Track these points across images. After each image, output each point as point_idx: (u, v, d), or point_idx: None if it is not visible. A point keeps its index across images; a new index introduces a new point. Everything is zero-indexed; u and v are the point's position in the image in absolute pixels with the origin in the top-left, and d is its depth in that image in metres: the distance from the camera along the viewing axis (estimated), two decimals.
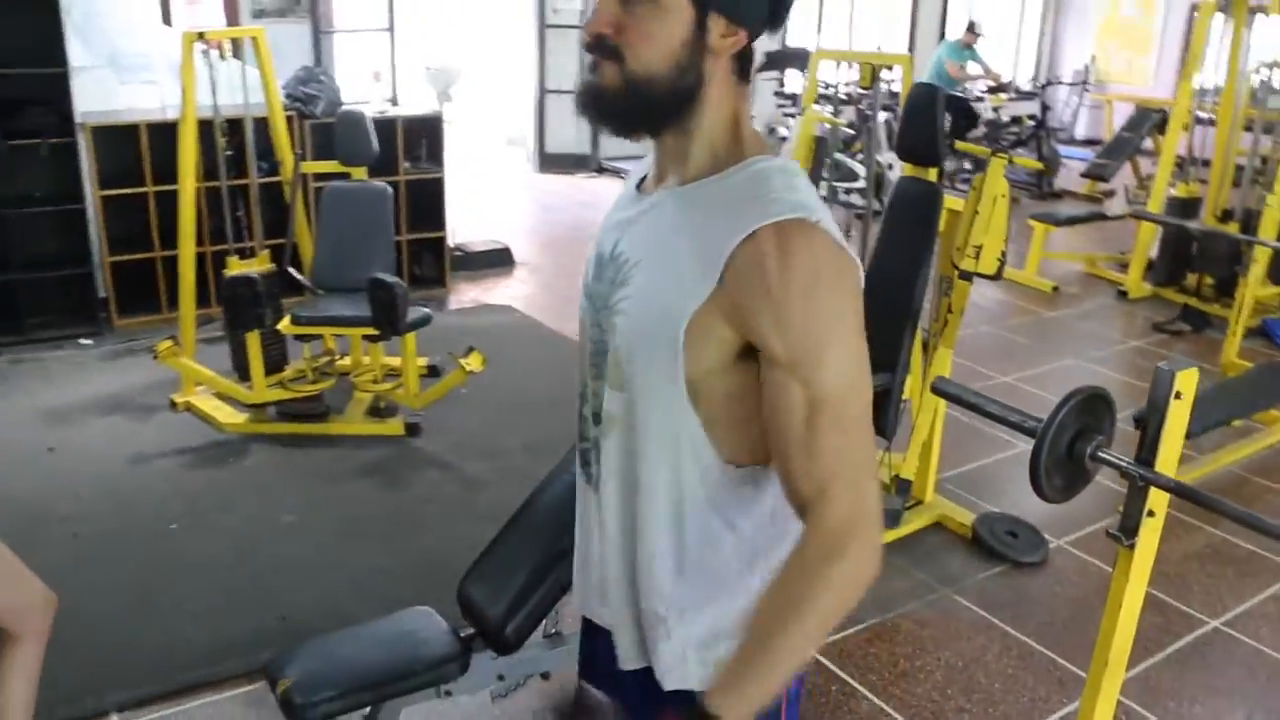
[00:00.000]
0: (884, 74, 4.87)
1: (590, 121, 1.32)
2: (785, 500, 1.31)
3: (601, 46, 1.26)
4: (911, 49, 11.74)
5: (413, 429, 4.68)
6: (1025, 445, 4.69)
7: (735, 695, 1.25)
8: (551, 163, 10.38)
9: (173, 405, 4.82)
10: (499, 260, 7.33)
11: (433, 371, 5.20)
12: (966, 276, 3.59)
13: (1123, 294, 6.93)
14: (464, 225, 7.45)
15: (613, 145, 10.34)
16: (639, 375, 1.31)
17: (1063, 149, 10.96)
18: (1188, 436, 3.86)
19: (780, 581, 1.27)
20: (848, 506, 1.24)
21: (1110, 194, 9.17)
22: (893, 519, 3.79)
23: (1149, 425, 2.17)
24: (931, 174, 3.66)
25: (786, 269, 1.19)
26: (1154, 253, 6.91)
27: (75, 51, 5.52)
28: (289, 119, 5.57)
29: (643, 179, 1.43)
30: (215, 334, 5.40)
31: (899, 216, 3.74)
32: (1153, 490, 2.18)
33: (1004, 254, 3.52)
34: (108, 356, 5.48)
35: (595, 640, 1.55)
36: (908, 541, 3.94)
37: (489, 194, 9.34)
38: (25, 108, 5.35)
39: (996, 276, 3.56)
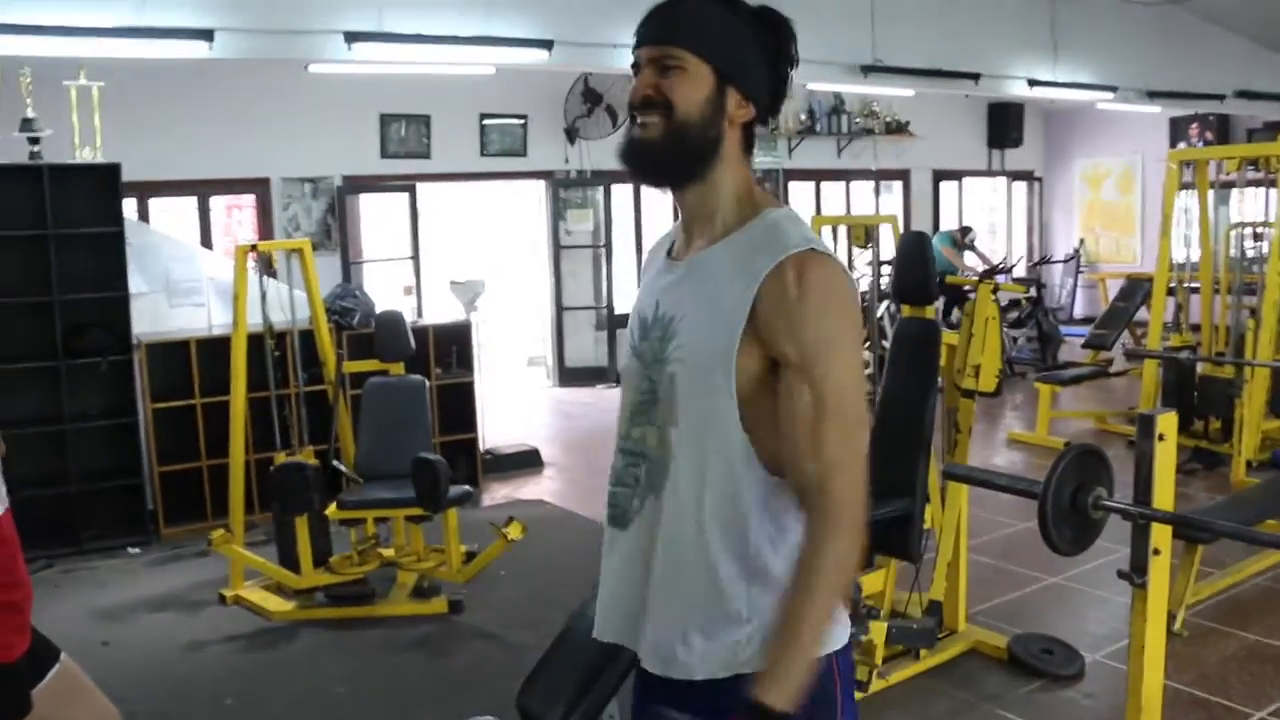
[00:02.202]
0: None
1: (632, 171, 1.65)
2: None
3: (651, 102, 1.59)
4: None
5: (456, 606, 4.82)
6: (1049, 579, 4.89)
7: (780, 680, 1.48)
8: (571, 377, 10.74)
9: (222, 599, 4.98)
10: (528, 461, 7.57)
11: (471, 557, 5.37)
12: (969, 395, 3.83)
13: (1133, 443, 7.08)
14: (492, 431, 7.74)
15: None
16: (699, 405, 1.57)
17: (1063, 328, 11.34)
18: (1204, 543, 4.03)
19: (797, 575, 1.52)
20: (844, 492, 1.51)
21: (1111, 361, 9.46)
22: (928, 639, 3.88)
23: (1140, 468, 2.38)
24: (928, 312, 3.96)
25: (803, 289, 1.51)
26: (1159, 404, 7.14)
27: (134, 279, 6.00)
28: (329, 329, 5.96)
29: (670, 248, 1.73)
30: (259, 538, 5.62)
31: (903, 353, 4.00)
32: (1155, 528, 2.37)
33: (1001, 372, 3.77)
34: (156, 563, 5.69)
35: (651, 693, 1.69)
36: (945, 667, 4.02)
37: (514, 404, 9.69)
38: (87, 330, 5.77)
39: (996, 393, 3.80)
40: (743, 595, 1.57)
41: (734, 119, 1.61)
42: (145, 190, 8.11)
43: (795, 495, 1.56)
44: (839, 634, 1.62)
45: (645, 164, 1.64)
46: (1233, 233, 7.17)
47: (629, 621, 1.68)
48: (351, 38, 6.37)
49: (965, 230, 11.28)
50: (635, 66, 1.63)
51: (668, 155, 1.61)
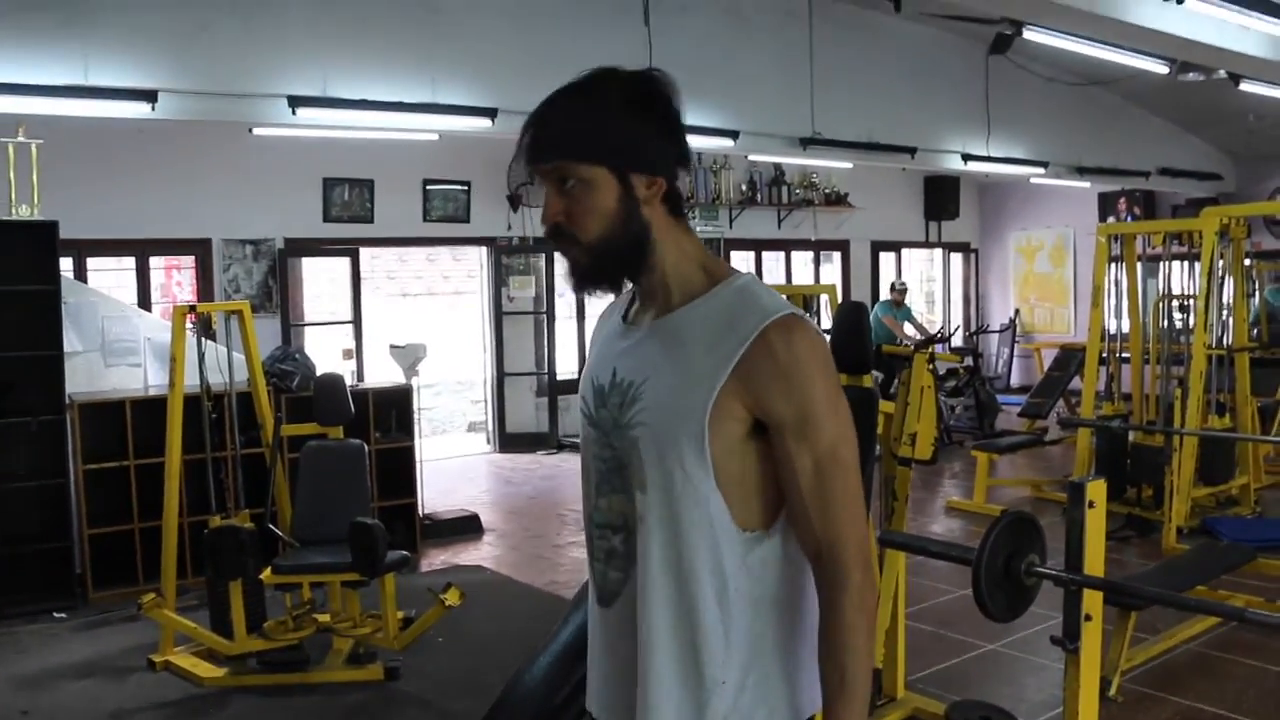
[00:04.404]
0: None
1: (583, 293, 1.65)
2: (782, 550, 1.59)
3: (559, 235, 1.59)
4: None
5: (392, 673, 4.74)
6: (987, 646, 4.93)
7: None
8: (511, 442, 10.71)
9: (151, 665, 4.86)
10: (468, 527, 7.51)
11: (408, 623, 5.30)
12: (905, 463, 3.88)
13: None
14: (432, 496, 7.68)
15: (571, 423, 10.75)
16: (669, 470, 1.56)
17: (1000, 397, 11.54)
18: (1136, 609, 4.08)
19: (824, 629, 1.57)
20: (853, 546, 1.55)
21: (1047, 430, 9.64)
22: None
23: (1071, 535, 2.43)
24: (865, 380, 4.02)
25: (791, 354, 1.51)
26: (1092, 472, 7.27)
27: (69, 338, 5.93)
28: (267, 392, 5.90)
29: (625, 313, 1.72)
30: (192, 603, 5.50)
31: None
32: (1086, 594, 2.41)
33: (936, 440, 3.83)
34: (82, 628, 5.53)
35: None
36: None
37: (454, 470, 9.63)
38: (17, 388, 5.67)
39: (932, 461, 3.86)
40: (720, 658, 1.57)
41: (649, 200, 1.58)
42: (83, 248, 8.04)
43: (804, 547, 1.58)
44: (809, 701, 1.64)
45: (589, 286, 1.62)
46: (1160, 305, 7.39)
47: (624, 699, 1.65)
48: (295, 102, 6.41)
49: (893, 286, 11.42)
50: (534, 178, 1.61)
51: (603, 273, 1.61)
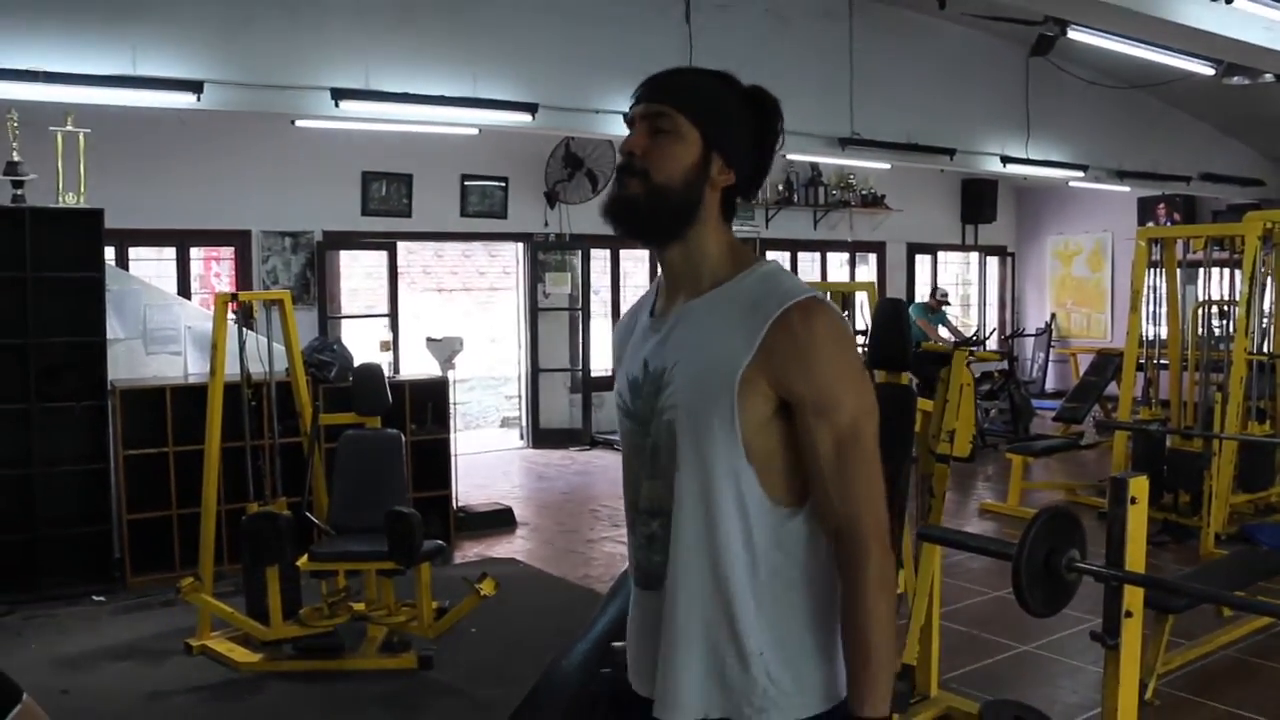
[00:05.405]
0: None
1: (616, 228, 1.70)
2: (813, 527, 1.64)
3: (631, 166, 1.67)
4: None
5: (426, 662, 4.77)
6: (1021, 647, 4.90)
7: (873, 702, 1.59)
8: (545, 438, 10.74)
9: (188, 649, 4.91)
10: (501, 520, 7.54)
11: (442, 613, 5.33)
12: (943, 460, 3.87)
13: (1103, 515, 7.15)
14: (466, 490, 7.72)
15: (605, 420, 10.77)
16: (702, 447, 1.62)
17: (1034, 401, 11.45)
18: (1175, 610, 4.06)
19: (845, 605, 1.62)
20: (872, 522, 1.60)
21: (1082, 434, 9.57)
22: (899, 704, 3.88)
23: (1113, 530, 2.41)
24: (904, 378, 4.01)
25: (810, 334, 1.58)
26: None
27: (111, 325, 6.03)
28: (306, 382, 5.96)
29: (651, 308, 1.79)
30: (228, 589, 5.56)
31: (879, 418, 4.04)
32: (1127, 591, 2.39)
33: (974, 438, 3.82)
34: (121, 611, 5.61)
35: None
36: None
37: (488, 464, 9.67)
38: (62, 374, 5.77)
39: (970, 459, 3.85)
40: (752, 631, 1.62)
41: (715, 183, 1.68)
42: (125, 237, 8.14)
43: (824, 521, 1.62)
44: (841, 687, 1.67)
45: (625, 220, 1.69)
46: (1200, 310, 7.32)
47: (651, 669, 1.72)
48: (339, 94, 6.46)
49: (934, 292, 11.40)
50: (630, 122, 1.70)
51: (647, 213, 1.67)
